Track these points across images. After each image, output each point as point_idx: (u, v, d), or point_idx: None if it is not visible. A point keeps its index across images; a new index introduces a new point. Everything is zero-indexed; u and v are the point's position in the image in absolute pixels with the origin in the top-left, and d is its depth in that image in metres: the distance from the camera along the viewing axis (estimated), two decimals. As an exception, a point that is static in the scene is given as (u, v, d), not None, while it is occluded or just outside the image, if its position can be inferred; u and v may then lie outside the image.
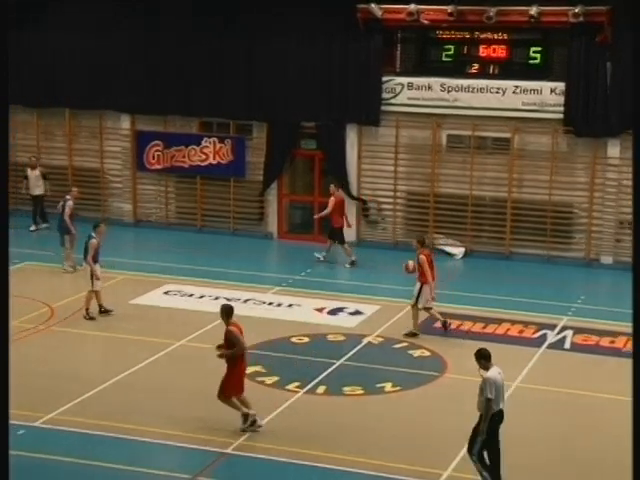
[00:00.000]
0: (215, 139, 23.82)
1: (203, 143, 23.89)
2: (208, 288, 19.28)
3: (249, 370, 15.09)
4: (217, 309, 17.63)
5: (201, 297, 18.85)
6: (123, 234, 23.21)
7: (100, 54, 23.90)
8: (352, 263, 21.31)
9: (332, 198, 21.51)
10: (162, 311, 17.95)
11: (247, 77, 23.19)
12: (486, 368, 11.08)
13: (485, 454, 11.15)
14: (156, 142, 24.17)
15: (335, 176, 23.30)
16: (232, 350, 12.43)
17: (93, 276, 17.24)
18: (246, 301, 18.65)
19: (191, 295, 18.85)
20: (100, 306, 17.35)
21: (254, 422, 12.66)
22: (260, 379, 14.74)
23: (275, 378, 14.77)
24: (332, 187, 21.71)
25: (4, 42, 7.44)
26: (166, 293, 18.93)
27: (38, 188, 23.55)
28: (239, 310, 17.99)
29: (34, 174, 23.59)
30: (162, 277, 19.83)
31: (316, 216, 22.51)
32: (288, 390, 14.37)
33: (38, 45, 24.22)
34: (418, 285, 16.64)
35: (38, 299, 17.97)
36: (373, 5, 21.88)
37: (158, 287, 19.25)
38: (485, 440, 11.02)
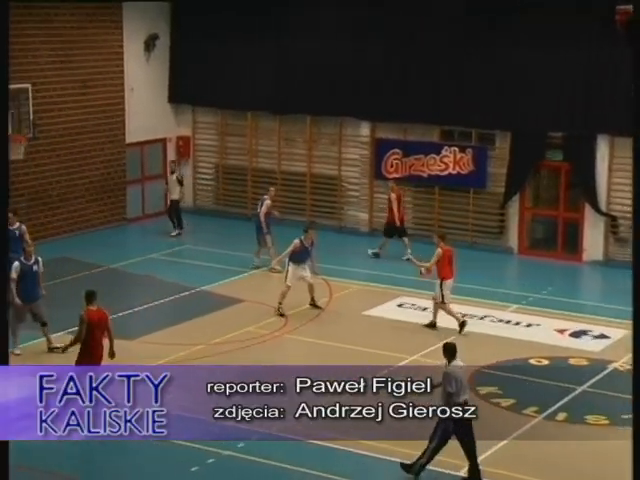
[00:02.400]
0: (456, 148, 23.62)
1: (443, 152, 23.75)
2: (443, 302, 19.19)
3: (483, 390, 14.79)
4: (452, 325, 17.86)
5: (435, 311, 18.80)
6: (358, 243, 23.42)
7: (342, 60, 24.28)
8: (376, 255, 22.15)
9: (393, 194, 22.28)
10: (395, 324, 17.94)
11: (491, 84, 22.83)
12: (449, 362, 11.89)
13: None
14: (395, 150, 24.26)
15: (583, 190, 22.53)
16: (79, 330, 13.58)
17: (287, 273, 18.19)
18: (483, 318, 18.39)
19: (425, 309, 18.71)
20: (279, 306, 18.17)
21: None
22: (495, 401, 14.42)
23: (511, 401, 14.42)
24: (391, 182, 22.81)
25: (4, 42, 7.49)
26: (400, 306, 18.93)
27: (174, 193, 24.12)
28: (475, 327, 18.09)
29: (171, 179, 24.21)
30: (396, 289, 19.83)
31: (397, 220, 22.32)
32: (525, 414, 13.98)
33: (283, 51, 24.93)
34: (438, 282, 17.34)
35: (275, 306, 18.42)
36: (633, 7, 20.96)
37: (392, 299, 19.26)
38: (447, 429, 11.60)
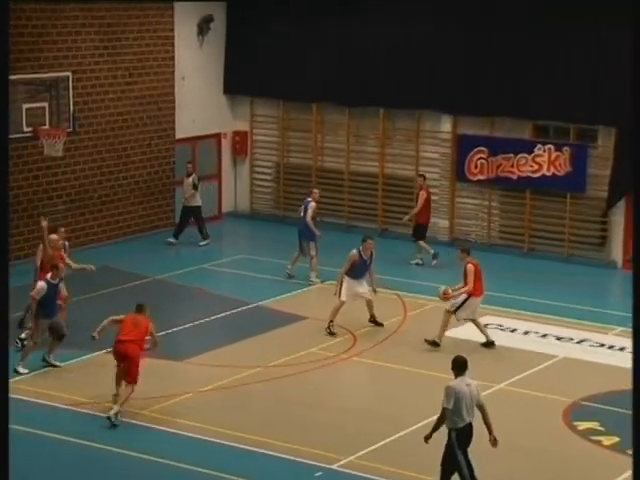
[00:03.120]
0: (551, 146, 23.25)
1: (536, 151, 23.39)
2: (534, 323, 18.91)
3: (582, 426, 14.47)
4: (546, 349, 17.50)
5: (526, 333, 18.54)
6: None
7: (420, 45, 24.06)
8: (435, 256, 22.56)
9: (422, 192, 22.71)
10: (479, 347, 17.67)
11: (593, 73, 22.45)
12: (455, 377, 12.04)
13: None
14: (480, 148, 23.97)
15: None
16: None
17: (341, 287, 18.07)
18: (581, 342, 18.15)
19: (514, 330, 18.56)
20: (330, 324, 18.04)
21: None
22: (596, 438, 14.18)
23: (615, 439, 14.17)
24: (421, 179, 23.00)
25: (4, 41, 7.93)
26: (485, 326, 18.66)
27: (189, 199, 23.74)
28: (572, 353, 17.74)
29: (187, 182, 23.84)
30: (481, 307, 19.47)
31: (405, 218, 23.10)
32: (631, 455, 13.46)
33: (353, 35, 24.78)
34: (464, 296, 17.46)
35: (341, 324, 18.26)
36: None
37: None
38: (445, 453, 11.88)
